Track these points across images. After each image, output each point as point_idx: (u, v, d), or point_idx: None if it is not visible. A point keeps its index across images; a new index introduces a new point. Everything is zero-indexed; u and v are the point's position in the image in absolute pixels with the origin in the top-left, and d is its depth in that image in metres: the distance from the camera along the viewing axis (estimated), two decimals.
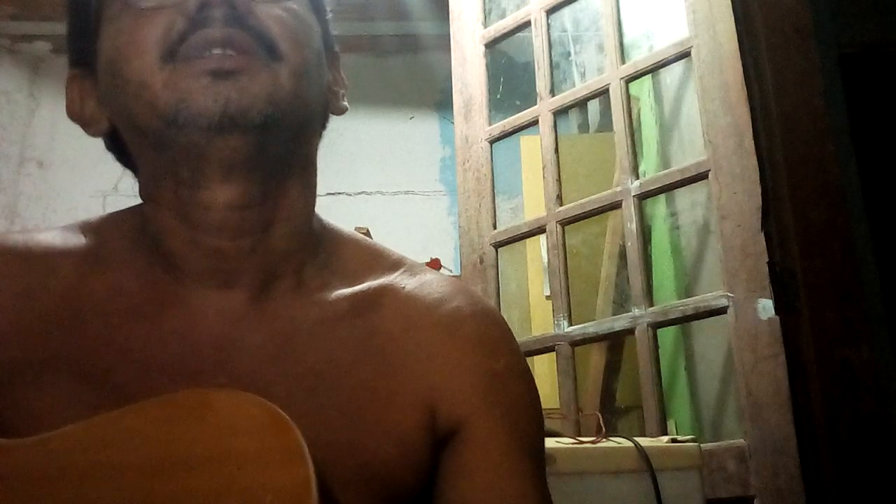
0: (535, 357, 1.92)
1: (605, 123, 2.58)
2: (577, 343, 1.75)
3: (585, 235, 2.48)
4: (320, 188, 0.69)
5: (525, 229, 1.94)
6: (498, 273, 1.91)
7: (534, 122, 1.95)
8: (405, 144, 3.34)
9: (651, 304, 1.67)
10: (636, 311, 1.67)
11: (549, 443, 1.07)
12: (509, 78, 2.62)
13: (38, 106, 3.23)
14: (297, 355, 0.62)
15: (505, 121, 2.00)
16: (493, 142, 2.00)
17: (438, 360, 0.63)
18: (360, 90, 3.10)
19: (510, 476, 0.60)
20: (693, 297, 1.74)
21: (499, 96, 2.30)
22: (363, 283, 0.67)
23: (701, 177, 1.66)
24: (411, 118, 3.37)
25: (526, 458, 0.62)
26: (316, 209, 0.69)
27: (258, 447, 0.45)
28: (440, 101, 3.30)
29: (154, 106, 0.58)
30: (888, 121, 2.10)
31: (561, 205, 1.85)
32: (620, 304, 2.38)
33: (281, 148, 0.61)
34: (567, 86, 2.74)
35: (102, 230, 0.67)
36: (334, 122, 0.72)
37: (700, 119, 1.68)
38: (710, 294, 1.60)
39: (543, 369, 2.11)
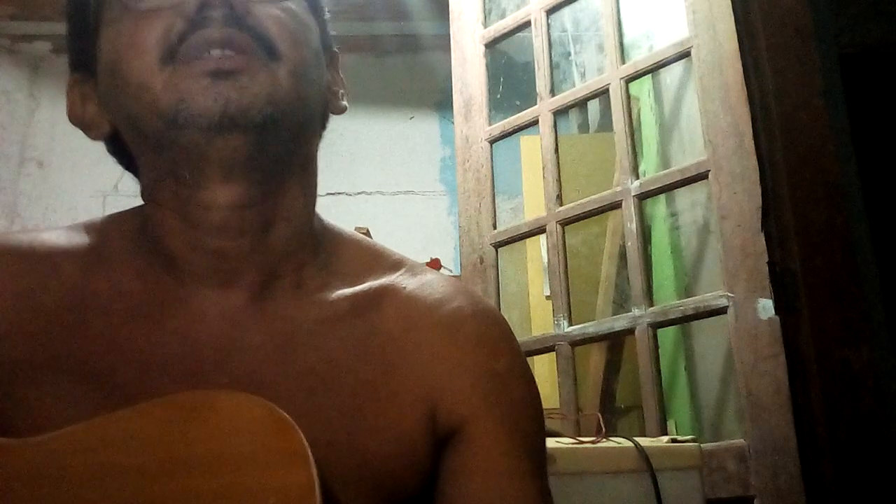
0: (535, 357, 1.92)
1: (605, 123, 2.58)
2: (577, 343, 1.75)
3: (585, 235, 2.48)
4: (320, 188, 0.69)
5: (525, 229, 1.94)
6: (498, 273, 1.91)
7: (534, 122, 1.95)
8: (405, 144, 3.34)
9: (651, 304, 1.67)
10: (636, 311, 1.67)
11: (549, 443, 1.07)
12: (509, 78, 2.62)
13: (38, 106, 3.23)
14: (298, 355, 0.62)
15: (505, 121, 2.00)
16: (493, 142, 2.00)
17: (439, 361, 0.63)
18: (360, 90, 3.10)
19: (511, 476, 0.60)
20: (693, 297, 1.74)
21: (499, 96, 2.30)
22: (364, 283, 0.67)
23: (701, 177, 1.66)
24: (411, 118, 3.37)
25: (527, 458, 0.62)
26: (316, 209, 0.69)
27: (260, 448, 0.45)
28: (440, 101, 3.29)
29: (154, 107, 0.58)
30: (888, 121, 2.10)
31: (561, 205, 1.85)
32: (620, 304, 2.38)
33: (281, 148, 0.62)
34: (567, 86, 2.74)
35: (104, 230, 0.67)
36: (334, 122, 0.72)
37: (700, 119, 1.68)
38: (710, 294, 1.60)
39: (543, 369, 2.11)
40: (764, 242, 1.51)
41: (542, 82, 1.95)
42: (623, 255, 2.31)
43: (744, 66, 1.60)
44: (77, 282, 0.63)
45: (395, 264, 0.70)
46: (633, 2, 2.18)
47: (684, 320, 1.72)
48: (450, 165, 3.22)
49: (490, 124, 2.01)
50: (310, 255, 0.66)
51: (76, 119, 0.67)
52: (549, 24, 1.99)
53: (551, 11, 2.00)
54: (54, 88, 3.19)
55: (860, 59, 1.96)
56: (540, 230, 1.89)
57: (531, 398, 0.66)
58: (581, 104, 2.24)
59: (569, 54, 3.02)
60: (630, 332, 1.68)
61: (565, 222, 1.84)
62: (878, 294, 1.51)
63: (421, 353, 0.64)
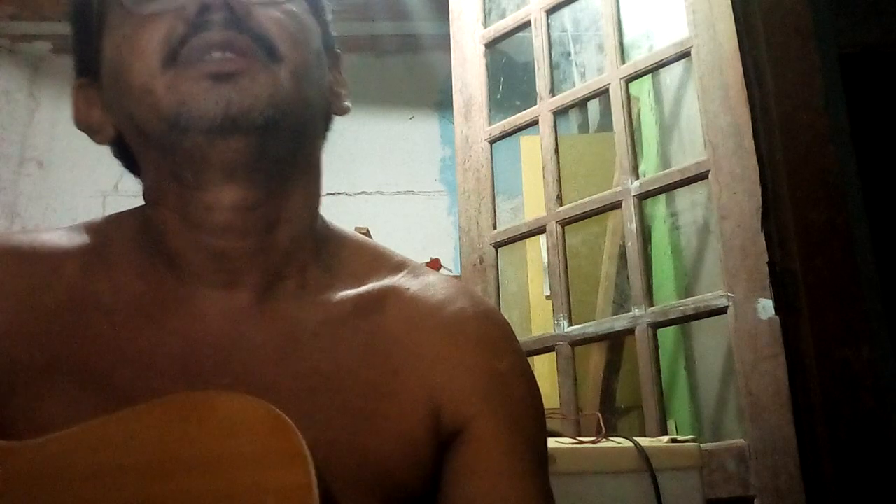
0: (535, 357, 1.92)
1: (605, 123, 2.58)
2: (577, 343, 1.75)
3: (585, 235, 2.48)
4: None
5: (525, 229, 1.94)
6: (498, 273, 1.91)
7: (534, 122, 1.95)
8: (405, 144, 3.34)
9: (651, 304, 1.67)
10: (636, 311, 1.67)
11: (550, 443, 1.07)
12: (509, 78, 2.62)
13: (38, 106, 3.23)
14: (301, 356, 0.62)
15: (505, 121, 2.00)
16: (493, 142, 2.00)
17: (442, 361, 0.64)
18: (360, 90, 3.10)
19: (513, 476, 0.61)
20: (693, 297, 1.74)
21: (499, 96, 2.30)
22: (367, 284, 0.67)
23: (701, 177, 1.66)
24: (411, 118, 3.37)
25: (528, 458, 0.62)
26: None
27: (259, 449, 0.45)
28: (440, 101, 3.29)
29: (156, 110, 0.59)
30: (888, 121, 2.10)
31: (561, 205, 1.85)
32: (620, 304, 2.38)
33: (282, 149, 0.62)
34: (567, 86, 2.73)
35: (104, 231, 0.67)
36: (334, 123, 0.72)
37: (700, 119, 1.68)
38: (710, 294, 1.60)
39: (543, 369, 2.11)
40: (764, 242, 1.51)
41: (542, 82, 1.95)
42: (623, 255, 2.31)
43: (744, 66, 1.60)
44: (78, 282, 0.63)
45: (398, 266, 0.70)
46: (633, 2, 2.18)
47: (684, 320, 1.72)
48: (450, 165, 3.22)
49: (490, 124, 2.01)
50: (313, 256, 0.66)
51: (81, 123, 0.68)
52: (549, 24, 1.99)
53: (551, 11, 2.00)
54: (54, 88, 3.20)
55: (860, 59, 1.96)
56: (540, 230, 1.89)
57: (533, 398, 0.66)
58: (581, 104, 2.24)
59: (569, 54, 3.02)
60: (630, 332, 1.68)
61: (565, 222, 1.84)
62: (878, 294, 1.52)
63: (424, 355, 0.64)
